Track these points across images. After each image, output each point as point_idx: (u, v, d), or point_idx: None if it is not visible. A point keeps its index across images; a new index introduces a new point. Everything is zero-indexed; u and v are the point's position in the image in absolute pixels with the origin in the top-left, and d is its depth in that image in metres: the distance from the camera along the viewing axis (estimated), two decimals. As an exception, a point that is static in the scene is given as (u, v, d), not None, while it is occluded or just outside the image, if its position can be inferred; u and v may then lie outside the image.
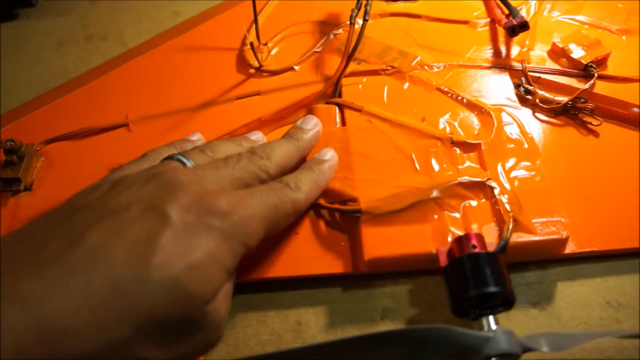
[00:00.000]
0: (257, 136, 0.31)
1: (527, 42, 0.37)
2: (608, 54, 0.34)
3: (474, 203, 0.28)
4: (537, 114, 0.33)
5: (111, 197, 0.21)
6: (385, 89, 0.34)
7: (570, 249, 0.27)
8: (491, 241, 0.26)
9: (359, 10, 0.35)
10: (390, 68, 0.35)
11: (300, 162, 0.29)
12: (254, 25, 0.37)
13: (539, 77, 0.34)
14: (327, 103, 0.34)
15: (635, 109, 0.32)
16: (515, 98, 0.33)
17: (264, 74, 0.37)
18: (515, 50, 0.36)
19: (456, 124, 0.32)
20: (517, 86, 0.34)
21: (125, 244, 0.19)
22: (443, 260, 0.25)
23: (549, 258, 0.28)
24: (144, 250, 0.19)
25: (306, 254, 0.28)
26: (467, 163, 0.29)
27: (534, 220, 0.27)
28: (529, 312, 0.26)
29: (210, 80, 0.37)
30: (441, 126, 0.31)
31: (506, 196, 0.27)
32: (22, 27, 0.45)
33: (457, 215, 0.27)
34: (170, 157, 0.25)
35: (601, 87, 0.33)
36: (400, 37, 0.38)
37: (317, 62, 0.37)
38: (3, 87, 0.40)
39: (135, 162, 0.26)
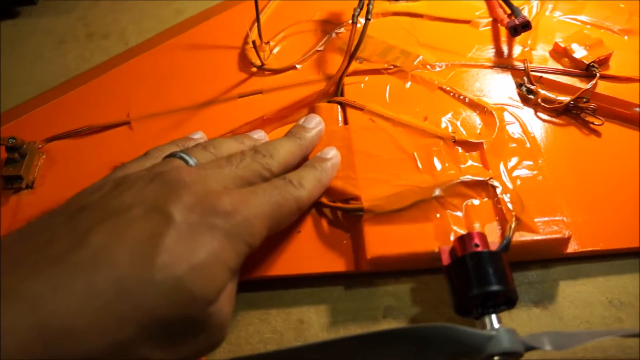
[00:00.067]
0: (260, 135, 0.30)
1: (529, 41, 0.37)
2: (610, 54, 0.34)
3: (476, 202, 0.28)
4: (539, 114, 0.33)
5: (114, 197, 0.21)
6: (388, 88, 0.34)
7: (572, 248, 0.27)
8: (493, 240, 0.25)
9: (361, 9, 0.35)
10: (392, 67, 0.35)
11: (302, 161, 0.29)
12: (256, 24, 0.37)
13: (541, 76, 0.34)
14: (329, 102, 0.34)
15: (637, 109, 0.32)
16: (517, 97, 0.33)
17: (266, 72, 0.37)
18: (517, 50, 0.36)
19: (458, 123, 0.32)
20: (519, 86, 0.34)
21: (128, 245, 0.19)
22: (445, 259, 0.25)
23: (551, 257, 0.28)
24: (148, 251, 0.19)
25: (308, 253, 0.28)
26: (470, 162, 0.29)
27: (536, 220, 0.27)
28: (531, 311, 0.26)
29: (212, 78, 0.37)
30: (443, 125, 0.31)
31: (508, 195, 0.27)
32: (23, 25, 0.45)
33: (459, 214, 0.27)
34: (172, 155, 0.25)
35: (603, 87, 0.33)
36: (402, 37, 0.38)
37: (319, 61, 0.37)
38: (4, 85, 0.40)
39: (137, 160, 0.26)
